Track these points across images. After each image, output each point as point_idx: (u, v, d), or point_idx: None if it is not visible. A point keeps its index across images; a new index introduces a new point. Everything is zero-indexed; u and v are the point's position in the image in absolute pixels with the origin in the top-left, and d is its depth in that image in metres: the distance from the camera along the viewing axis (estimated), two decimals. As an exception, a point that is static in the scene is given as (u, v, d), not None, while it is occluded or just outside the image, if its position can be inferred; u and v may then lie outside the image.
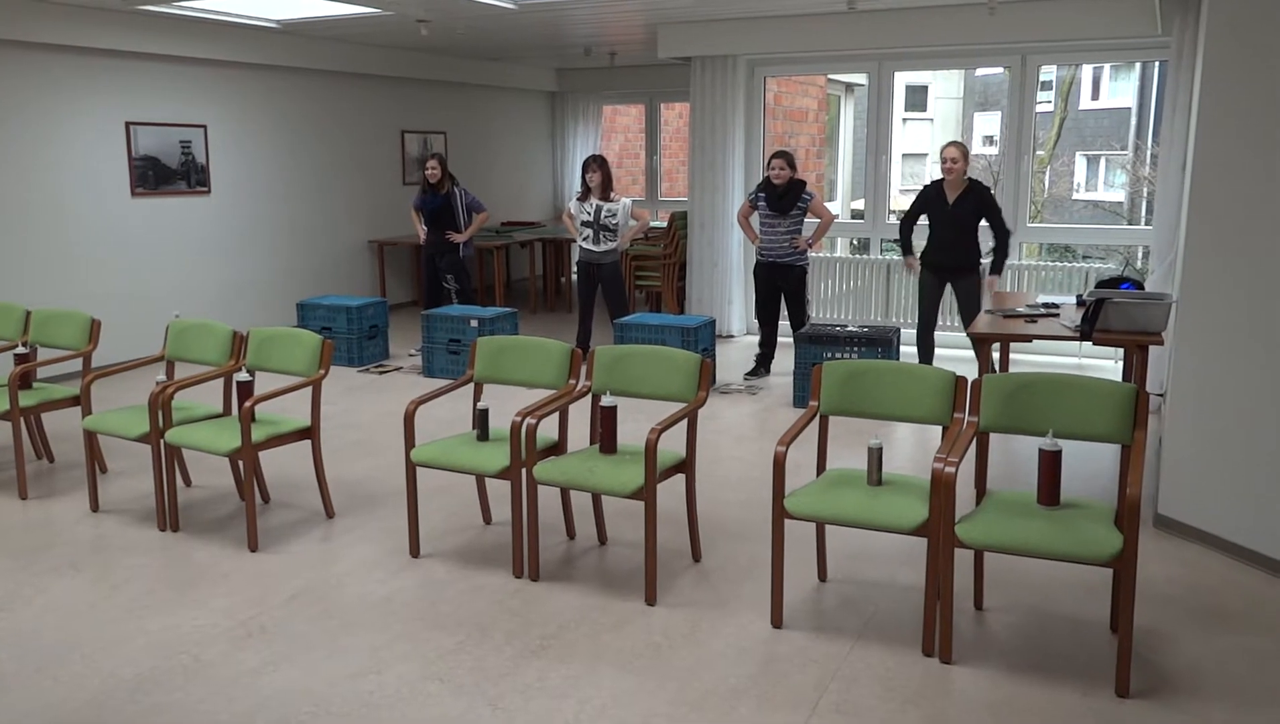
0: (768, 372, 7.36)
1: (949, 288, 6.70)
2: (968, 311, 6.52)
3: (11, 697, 3.11)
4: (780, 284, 7.12)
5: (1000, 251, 6.51)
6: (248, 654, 3.36)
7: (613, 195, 7.52)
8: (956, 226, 6.48)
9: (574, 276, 12.17)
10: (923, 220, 6.70)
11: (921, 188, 6.68)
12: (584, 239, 7.52)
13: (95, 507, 4.72)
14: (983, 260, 6.67)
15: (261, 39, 8.44)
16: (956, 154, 6.46)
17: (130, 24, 7.45)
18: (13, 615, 3.65)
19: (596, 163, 7.54)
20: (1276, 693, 3.08)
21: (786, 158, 7.01)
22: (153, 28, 7.60)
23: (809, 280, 7.44)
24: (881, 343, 6.30)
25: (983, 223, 6.52)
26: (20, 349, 5.12)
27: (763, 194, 7.05)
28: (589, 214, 7.48)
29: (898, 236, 6.87)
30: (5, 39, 6.82)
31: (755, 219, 7.20)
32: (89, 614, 3.65)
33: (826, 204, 8.28)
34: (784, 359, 7.66)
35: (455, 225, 8.16)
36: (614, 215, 7.45)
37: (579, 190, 7.62)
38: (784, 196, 6.98)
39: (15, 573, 4.02)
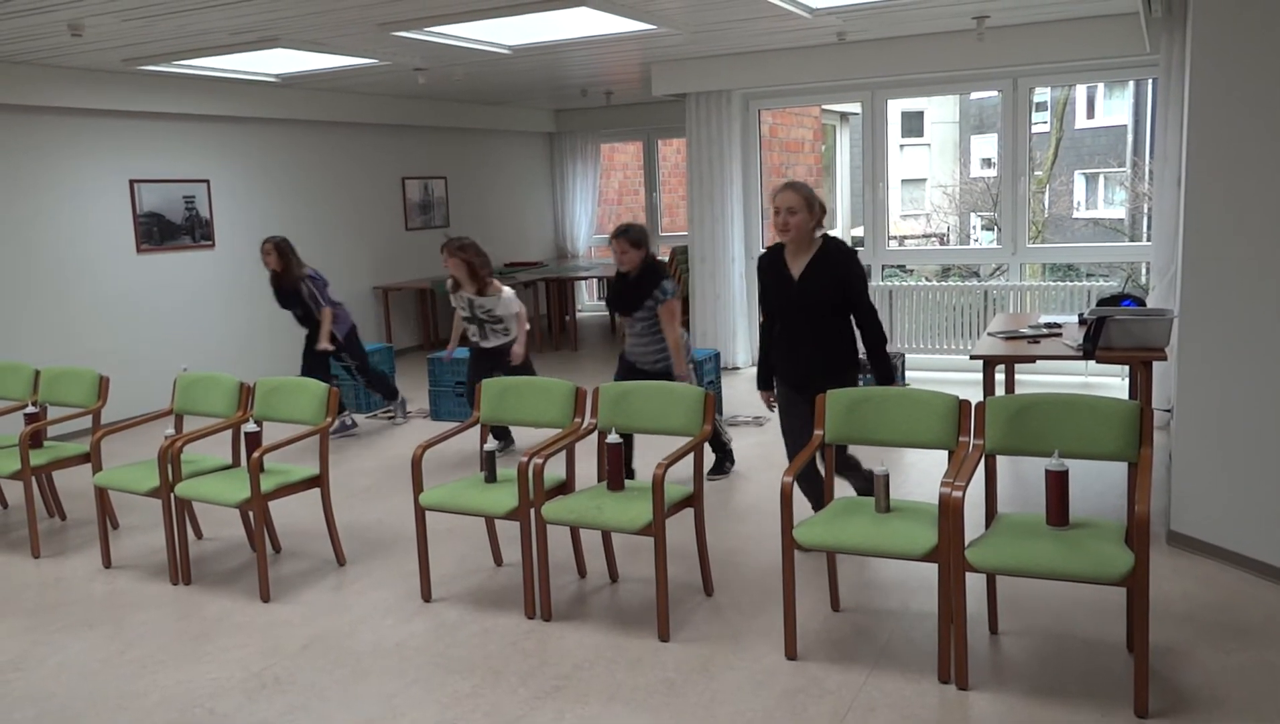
0: (728, 468, 5.72)
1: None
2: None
3: (28, 757, 3.11)
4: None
5: (877, 360, 4.16)
6: (263, 705, 3.35)
7: (492, 285, 6.07)
8: (809, 314, 4.15)
9: (579, 315, 12.25)
10: None
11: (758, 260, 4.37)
12: (472, 335, 6.24)
13: (108, 563, 4.73)
14: (864, 368, 4.24)
15: (261, 93, 8.55)
16: (794, 200, 4.03)
17: (131, 84, 7.56)
18: (27, 674, 3.65)
19: (456, 248, 6.00)
20: (1297, 707, 3.05)
21: (629, 236, 4.97)
22: (153, 87, 7.71)
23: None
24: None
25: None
26: (30, 408, 5.16)
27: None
28: (465, 309, 6.17)
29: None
30: (9, 104, 6.93)
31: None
32: (103, 671, 3.66)
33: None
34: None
35: (313, 318, 7.01)
36: (493, 311, 6.09)
37: (449, 280, 6.21)
38: (634, 288, 5.06)
39: (29, 632, 4.03)
